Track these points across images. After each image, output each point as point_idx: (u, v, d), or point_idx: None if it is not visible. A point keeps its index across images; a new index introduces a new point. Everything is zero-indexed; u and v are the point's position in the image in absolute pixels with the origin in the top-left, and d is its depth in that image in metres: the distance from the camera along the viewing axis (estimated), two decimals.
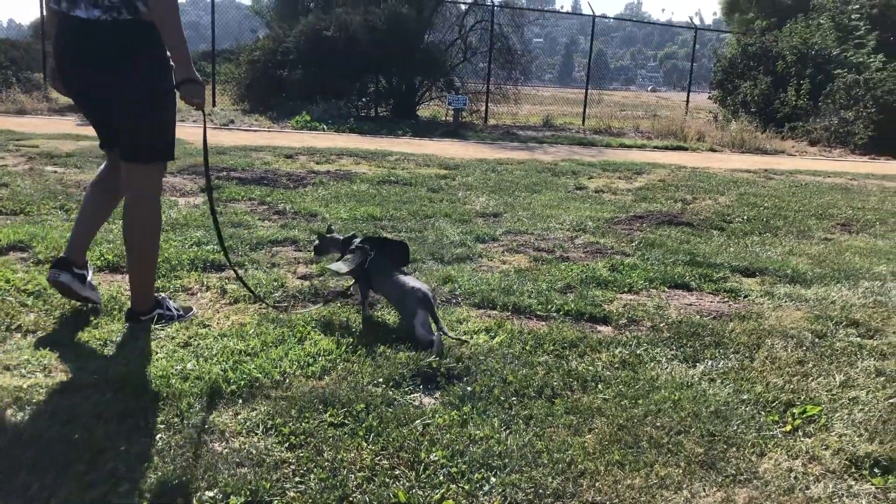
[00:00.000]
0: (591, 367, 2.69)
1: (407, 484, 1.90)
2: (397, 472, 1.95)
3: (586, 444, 2.13)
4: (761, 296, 3.80)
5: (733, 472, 2.05)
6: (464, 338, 2.90)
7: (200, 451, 1.98)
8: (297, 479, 1.89)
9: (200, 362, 2.51)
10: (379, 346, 2.74)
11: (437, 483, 1.91)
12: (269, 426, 2.13)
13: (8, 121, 10.68)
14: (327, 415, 2.20)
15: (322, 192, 6.12)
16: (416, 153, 9.43)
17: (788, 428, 2.33)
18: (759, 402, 2.50)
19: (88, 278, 2.94)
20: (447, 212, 5.50)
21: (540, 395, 2.43)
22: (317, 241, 3.34)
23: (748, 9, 25.10)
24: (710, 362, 2.84)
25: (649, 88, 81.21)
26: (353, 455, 2.00)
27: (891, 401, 2.55)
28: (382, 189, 6.46)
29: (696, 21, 26.27)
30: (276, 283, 3.44)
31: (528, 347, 2.84)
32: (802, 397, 2.55)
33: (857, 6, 18.57)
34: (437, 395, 2.42)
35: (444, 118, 15.60)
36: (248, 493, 1.81)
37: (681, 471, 2.03)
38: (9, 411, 2.12)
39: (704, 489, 1.97)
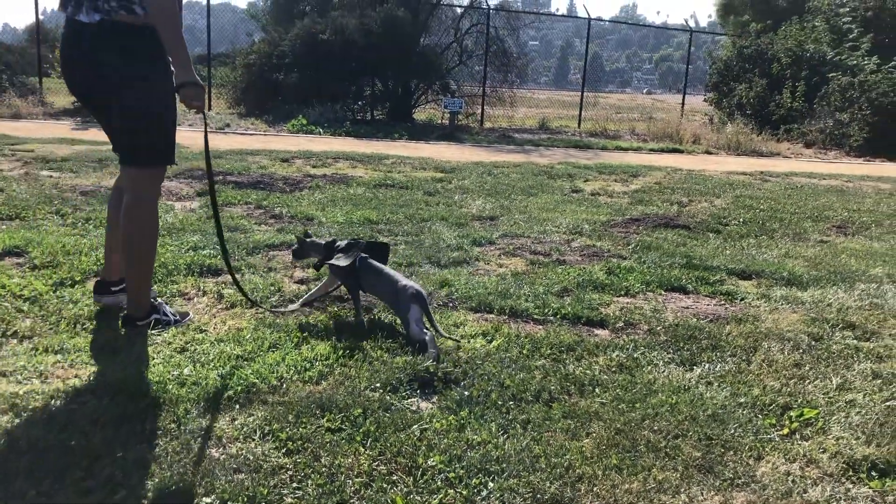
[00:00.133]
0: (588, 371, 2.69)
1: (405, 489, 1.90)
2: (395, 478, 1.95)
3: (584, 449, 2.13)
4: (758, 298, 3.80)
5: (731, 475, 2.05)
6: (456, 338, 2.90)
7: (198, 456, 1.98)
8: (294, 484, 1.89)
9: (197, 367, 2.50)
10: (376, 350, 2.74)
11: (435, 488, 1.91)
12: (266, 431, 2.12)
13: (3, 125, 10.66)
14: (324, 420, 2.20)
15: (318, 195, 6.11)
16: (412, 156, 9.44)
17: (786, 431, 2.33)
18: (756, 405, 2.50)
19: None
20: (443, 215, 5.50)
21: (537, 400, 2.43)
22: (296, 245, 3.34)
23: (743, 11, 25.24)
24: (706, 365, 2.84)
25: (645, 91, 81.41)
26: (350, 460, 2.00)
27: (888, 403, 2.56)
28: (379, 193, 6.46)
29: (692, 23, 26.37)
30: (272, 288, 3.44)
31: (525, 351, 2.84)
32: (799, 400, 2.55)
33: (850, 9, 18.64)
34: (435, 399, 2.42)
35: (440, 121, 15.63)
36: (245, 499, 1.81)
37: (678, 475, 2.03)
38: (5, 418, 2.11)
39: (702, 493, 1.97)
